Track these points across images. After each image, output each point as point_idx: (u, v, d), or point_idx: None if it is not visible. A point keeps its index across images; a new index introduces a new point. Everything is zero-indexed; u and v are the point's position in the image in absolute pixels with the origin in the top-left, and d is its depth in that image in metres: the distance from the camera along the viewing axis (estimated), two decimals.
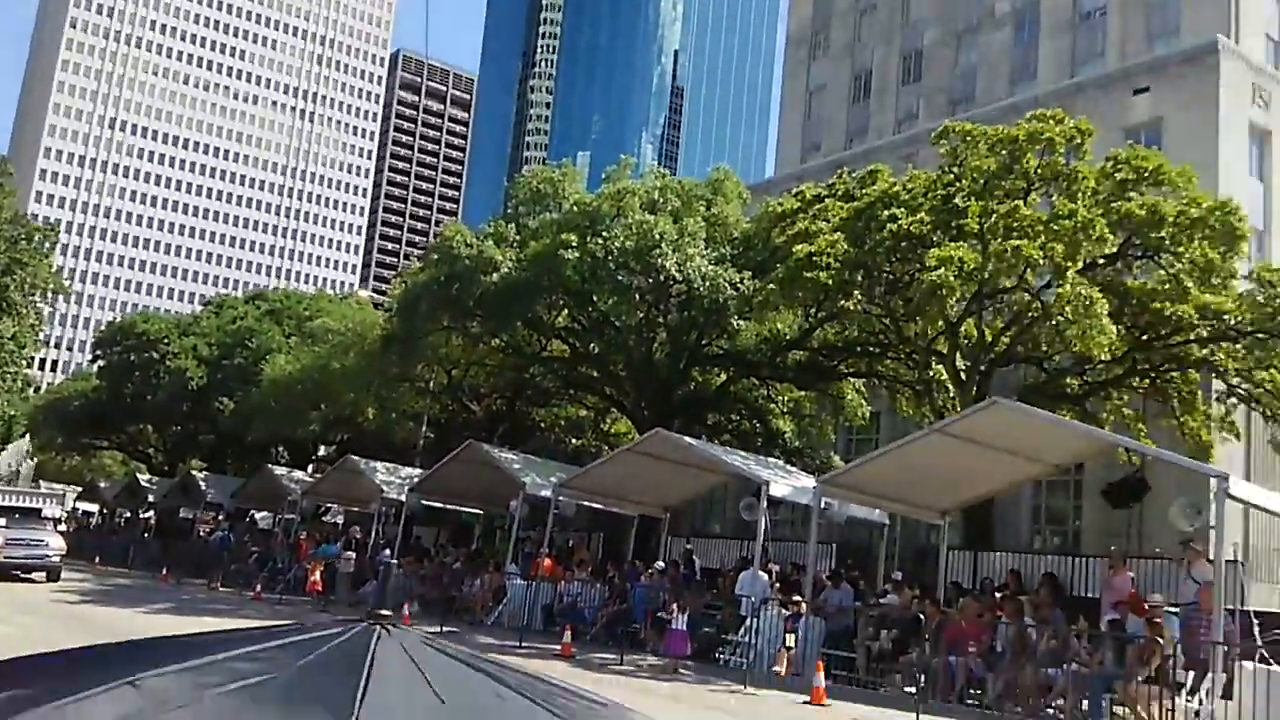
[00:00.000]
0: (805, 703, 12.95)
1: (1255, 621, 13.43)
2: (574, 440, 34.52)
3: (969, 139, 21.85)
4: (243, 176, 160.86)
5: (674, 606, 16.57)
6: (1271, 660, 11.95)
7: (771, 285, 22.85)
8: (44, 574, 26.84)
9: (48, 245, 37.52)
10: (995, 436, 15.88)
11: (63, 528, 32.21)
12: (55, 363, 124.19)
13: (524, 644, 18.64)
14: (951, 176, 21.79)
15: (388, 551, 27.32)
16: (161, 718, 1.12)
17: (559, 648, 17.82)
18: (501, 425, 34.33)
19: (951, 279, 19.13)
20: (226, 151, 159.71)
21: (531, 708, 1.32)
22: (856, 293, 22.45)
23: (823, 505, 17.50)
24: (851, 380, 27.54)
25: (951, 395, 22.74)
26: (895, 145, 40.46)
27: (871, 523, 20.30)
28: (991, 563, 19.99)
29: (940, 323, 21.59)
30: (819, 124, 52.24)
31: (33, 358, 43.55)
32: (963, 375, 22.24)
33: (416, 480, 27.86)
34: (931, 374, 23.44)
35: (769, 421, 28.68)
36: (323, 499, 34.32)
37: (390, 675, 1.24)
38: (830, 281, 21.34)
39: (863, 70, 51.15)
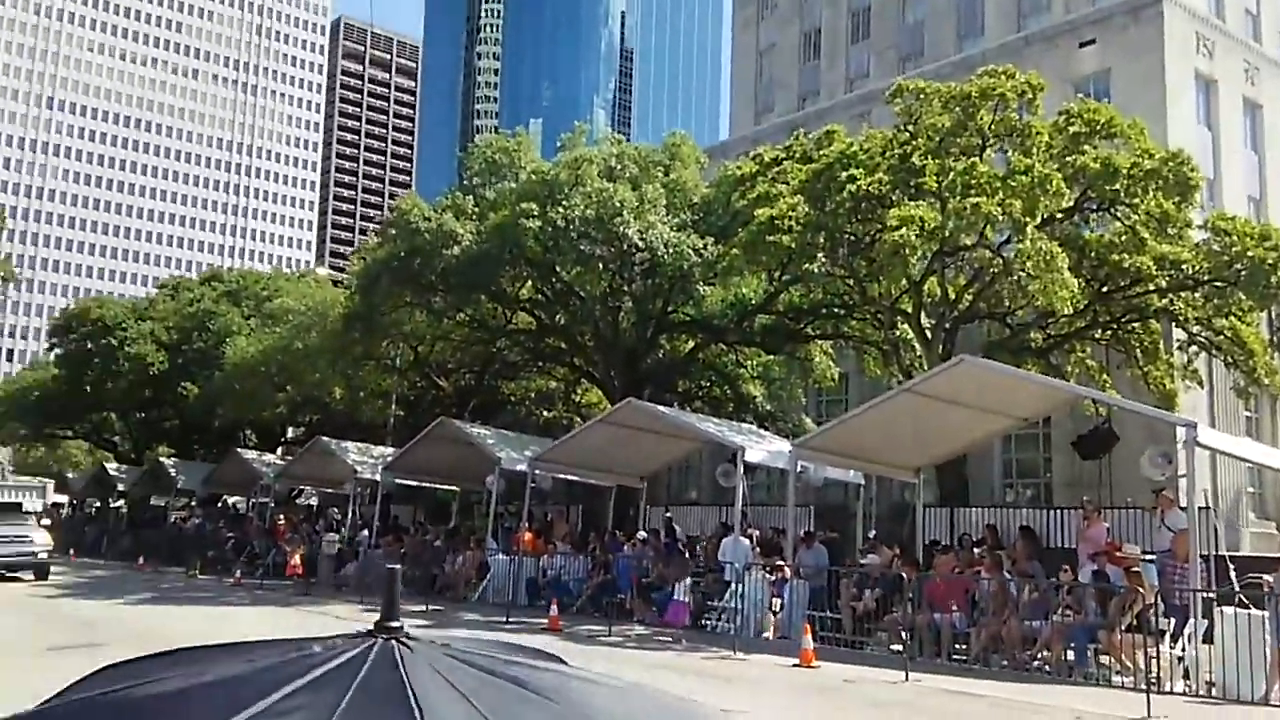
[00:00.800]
0: (795, 665, 13.25)
1: (1230, 565, 13.88)
2: (545, 412, 34.57)
3: (923, 97, 21.94)
4: (187, 154, 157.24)
5: (671, 577, 16.80)
6: (1249, 604, 12.36)
7: (734, 250, 22.89)
8: (31, 573, 25.51)
9: None
10: (963, 393, 16.19)
11: (46, 522, 29.51)
12: (11, 351, 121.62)
13: (510, 619, 18.80)
14: (907, 135, 21.91)
15: (365, 532, 27.36)
16: None
17: (546, 621, 18.00)
18: (472, 400, 34.28)
19: (913, 238, 19.21)
20: (169, 128, 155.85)
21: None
22: (819, 255, 22.48)
23: (799, 469, 17.76)
24: (819, 342, 27.79)
25: (918, 354, 23.02)
26: (849, 104, 40.59)
27: (847, 483, 20.62)
28: (967, 518, 20.42)
29: (904, 282, 21.72)
30: (771, 84, 52.18)
31: None
32: (928, 334, 22.49)
33: (390, 459, 27.80)
34: (897, 333, 23.61)
35: (739, 386, 28.88)
36: (295, 481, 34.15)
37: (441, 716, 1.13)
38: (793, 245, 21.39)
39: (812, 29, 51.06)
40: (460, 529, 27.54)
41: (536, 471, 22.69)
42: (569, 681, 1.33)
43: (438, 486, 30.74)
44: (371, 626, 1.25)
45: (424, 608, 20.56)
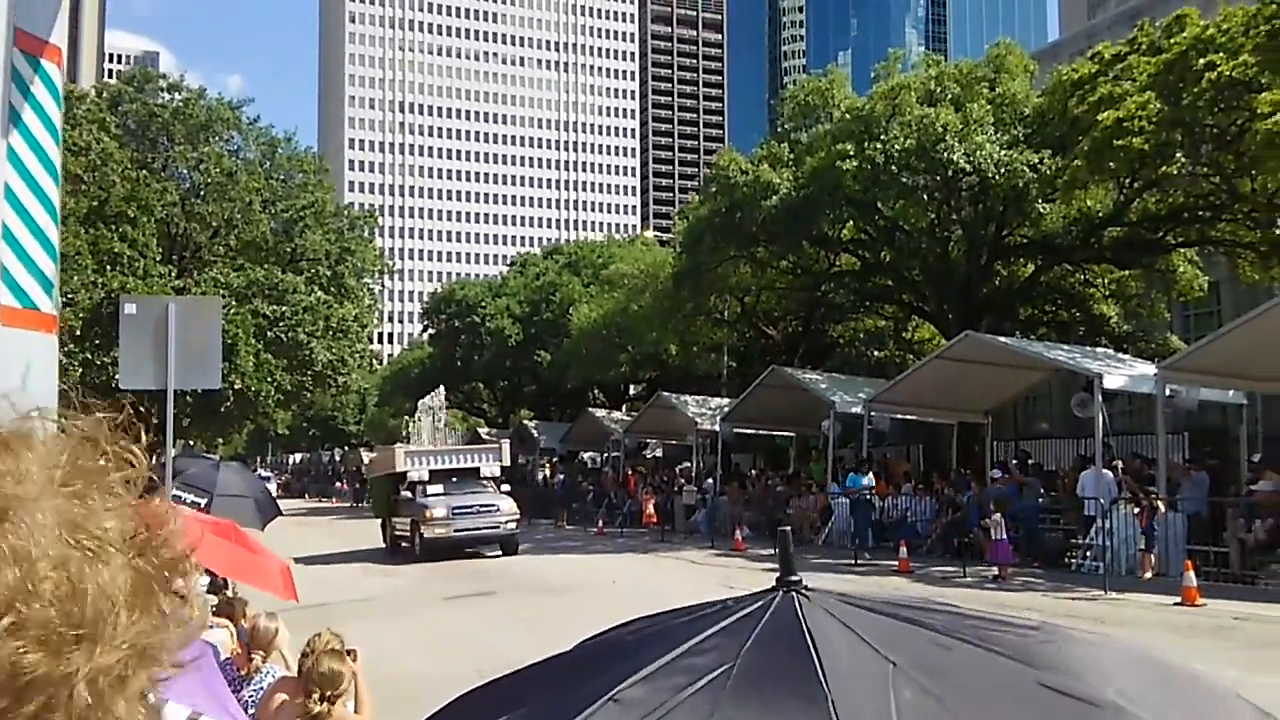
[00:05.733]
0: (1177, 604, 12.19)
1: None
2: (876, 352, 33.96)
3: None
4: (522, 138, 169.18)
5: (994, 515, 16.13)
6: None
7: (1077, 161, 21.63)
8: (498, 548, 22.79)
9: (369, 231, 41.04)
10: None
11: (507, 487, 25.13)
12: (391, 335, 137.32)
13: (859, 561, 18.79)
14: (1275, 8, 19.18)
15: (710, 480, 28.35)
16: None
17: (895, 563, 17.81)
18: (801, 346, 34.35)
19: None
20: (504, 116, 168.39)
21: (978, 652, 1.27)
22: (1178, 154, 20.51)
23: (1168, 392, 16.18)
24: (1182, 251, 25.13)
25: None
26: None
27: (1226, 404, 18.55)
28: None
29: None
30: None
31: (374, 334, 48.33)
32: None
33: (726, 410, 28.56)
34: (1278, 231, 21.12)
35: (1090, 308, 26.89)
36: (642, 435, 36.06)
37: (835, 647, 1.24)
38: (1146, 147, 19.79)
39: None
40: (799, 473, 27.80)
41: (872, 413, 22.39)
42: (961, 620, 1.37)
43: (774, 433, 31.18)
44: (774, 582, 1.41)
45: (771, 550, 21.03)
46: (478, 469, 24.32)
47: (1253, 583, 14.08)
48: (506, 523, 22.77)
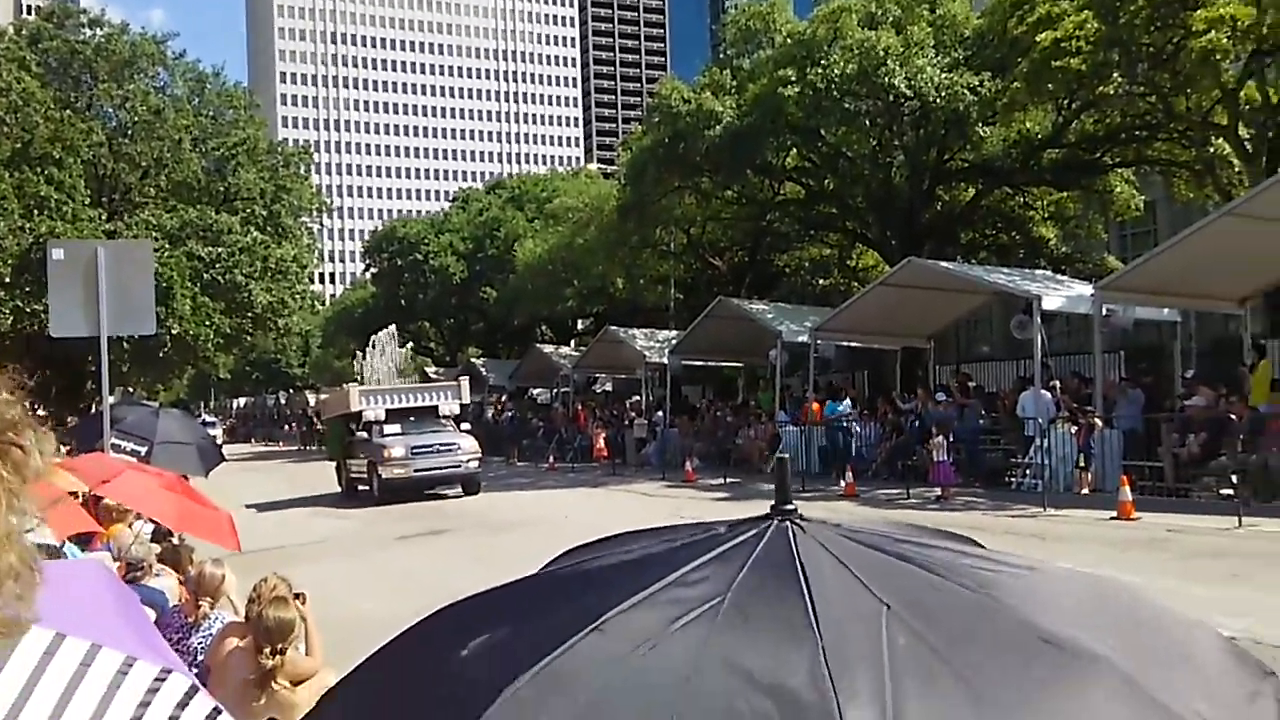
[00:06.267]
0: (1113, 519, 12.57)
1: None
2: (821, 280, 34.17)
3: None
4: (461, 69, 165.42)
5: (937, 438, 16.51)
6: None
7: (1016, 83, 21.73)
8: (459, 487, 22.37)
9: (304, 168, 40.03)
10: None
11: (467, 426, 24.39)
12: (333, 275, 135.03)
13: (805, 488, 19.07)
14: None
15: (660, 413, 28.49)
16: (638, 658, 1.16)
17: (842, 488, 18.13)
18: (747, 276, 34.46)
19: (1223, 40, 17.80)
20: (442, 46, 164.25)
21: (973, 596, 1.28)
22: (1115, 74, 20.64)
23: (1104, 312, 16.50)
24: (1119, 171, 25.50)
25: (1237, 170, 20.84)
26: None
27: (1161, 322, 18.99)
28: None
29: (1215, 92, 19.79)
30: None
31: (314, 275, 47.53)
32: (1248, 146, 20.29)
33: (675, 342, 28.62)
34: (1212, 150, 21.62)
35: (1029, 230, 27.24)
36: (591, 370, 36.06)
37: (826, 583, 1.23)
38: (1084, 67, 19.90)
39: None
40: (748, 403, 28.05)
41: (818, 341, 22.58)
42: (960, 559, 1.38)
43: (723, 364, 31.36)
44: (769, 509, 1.39)
45: (722, 480, 21.31)
46: (436, 407, 23.35)
47: (1186, 495, 14.53)
48: (468, 462, 22.03)
